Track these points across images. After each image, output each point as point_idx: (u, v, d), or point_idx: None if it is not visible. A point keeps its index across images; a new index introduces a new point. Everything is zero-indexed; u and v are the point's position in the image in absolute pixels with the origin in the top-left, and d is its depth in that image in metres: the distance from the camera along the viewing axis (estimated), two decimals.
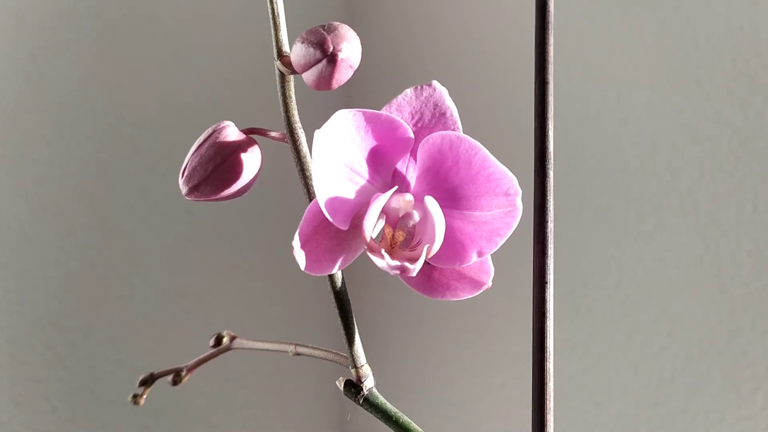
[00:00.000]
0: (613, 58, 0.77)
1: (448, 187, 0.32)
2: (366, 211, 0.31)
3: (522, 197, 0.31)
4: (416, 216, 0.32)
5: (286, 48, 0.33)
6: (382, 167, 0.32)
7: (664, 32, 0.74)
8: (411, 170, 0.33)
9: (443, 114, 0.32)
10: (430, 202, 0.31)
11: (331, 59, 0.30)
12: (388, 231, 0.32)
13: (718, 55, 0.70)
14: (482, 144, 0.31)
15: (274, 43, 0.33)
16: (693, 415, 0.68)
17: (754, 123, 0.68)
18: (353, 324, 0.35)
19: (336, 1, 0.99)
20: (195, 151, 0.35)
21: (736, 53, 0.69)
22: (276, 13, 0.33)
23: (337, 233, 0.32)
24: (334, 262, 0.32)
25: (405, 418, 0.36)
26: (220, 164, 0.34)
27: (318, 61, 0.30)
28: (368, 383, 0.36)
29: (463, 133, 0.32)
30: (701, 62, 0.71)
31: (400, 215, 0.32)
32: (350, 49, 0.31)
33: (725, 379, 0.67)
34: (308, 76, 0.31)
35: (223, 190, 0.35)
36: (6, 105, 0.72)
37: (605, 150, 0.76)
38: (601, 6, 0.78)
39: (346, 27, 0.31)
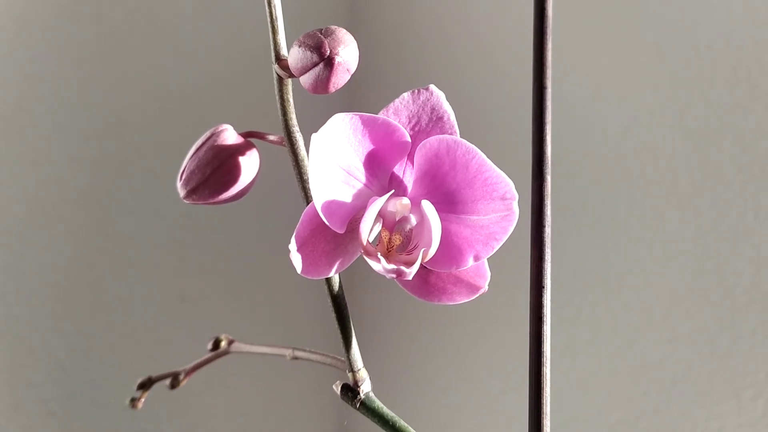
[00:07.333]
0: (615, 64, 0.77)
1: (445, 191, 0.32)
2: (363, 215, 0.31)
3: (519, 201, 0.31)
4: (413, 220, 0.32)
5: (284, 51, 0.33)
6: (379, 171, 0.32)
7: (665, 38, 0.74)
8: (408, 174, 0.33)
9: (440, 118, 0.32)
10: (427, 206, 0.31)
11: (328, 63, 0.30)
12: (385, 234, 0.32)
13: (719, 61, 0.70)
14: (480, 148, 0.31)
15: (272, 47, 0.33)
16: (693, 423, 0.68)
17: (756, 129, 0.68)
18: (350, 328, 0.35)
19: (337, 6, 1.00)
20: (193, 154, 0.35)
21: (737, 60, 0.69)
22: (274, 17, 0.33)
23: (334, 236, 0.32)
24: (330, 266, 0.32)
25: (402, 423, 0.35)
26: (218, 167, 0.34)
27: (315, 65, 0.30)
28: (365, 387, 0.35)
29: (461, 137, 0.32)
30: (702, 69, 0.71)
31: (397, 219, 0.32)
32: (347, 53, 0.31)
33: (726, 387, 0.66)
34: (305, 80, 0.31)
35: (221, 193, 0.35)
36: (6, 107, 0.72)
37: (606, 156, 0.76)
38: (602, 12, 0.78)
39: (344, 31, 0.31)
